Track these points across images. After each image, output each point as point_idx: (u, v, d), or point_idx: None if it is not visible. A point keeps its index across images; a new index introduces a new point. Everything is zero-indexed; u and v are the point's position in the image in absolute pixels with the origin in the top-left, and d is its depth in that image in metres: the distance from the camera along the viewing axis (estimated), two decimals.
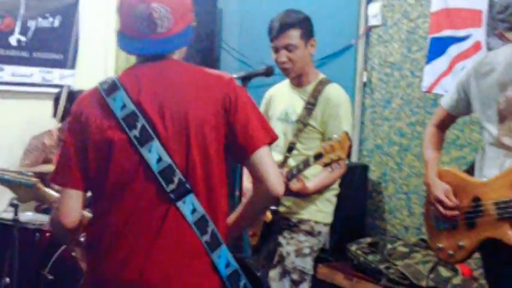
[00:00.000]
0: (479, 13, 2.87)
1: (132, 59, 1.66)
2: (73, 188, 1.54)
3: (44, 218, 3.13)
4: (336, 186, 2.42)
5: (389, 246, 3.05)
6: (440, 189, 2.08)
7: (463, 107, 2.13)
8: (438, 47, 3.09)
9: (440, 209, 2.06)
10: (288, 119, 2.41)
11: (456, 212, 2.03)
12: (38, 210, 3.52)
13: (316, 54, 3.68)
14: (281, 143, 2.41)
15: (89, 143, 1.51)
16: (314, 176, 2.31)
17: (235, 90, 1.54)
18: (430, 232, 2.19)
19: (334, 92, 2.34)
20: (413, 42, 3.27)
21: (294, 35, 2.29)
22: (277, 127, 2.44)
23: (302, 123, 2.33)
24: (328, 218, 2.43)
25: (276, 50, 2.35)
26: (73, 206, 1.54)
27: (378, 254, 3.02)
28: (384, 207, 3.49)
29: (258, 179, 1.53)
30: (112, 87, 1.53)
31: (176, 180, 1.47)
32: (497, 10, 1.87)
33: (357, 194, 3.40)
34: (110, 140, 1.50)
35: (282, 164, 2.39)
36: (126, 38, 1.55)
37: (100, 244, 1.53)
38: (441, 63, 3.08)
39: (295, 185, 2.16)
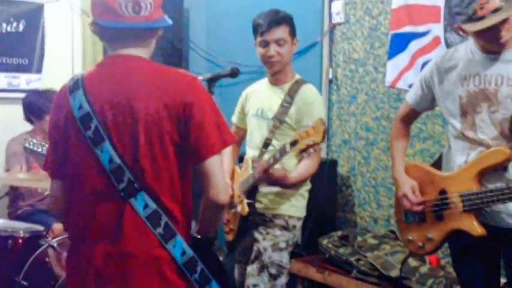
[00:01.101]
0: (438, 9, 2.96)
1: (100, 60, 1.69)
2: (53, 178, 1.72)
3: (16, 225, 3.12)
4: (308, 182, 2.48)
5: (359, 238, 3.12)
6: (407, 185, 2.13)
7: (426, 102, 2.19)
8: (399, 42, 3.16)
9: (406, 204, 2.12)
10: (264, 115, 2.47)
11: (421, 207, 2.09)
12: (10, 217, 3.49)
13: None
14: (256, 139, 2.49)
15: (57, 138, 1.66)
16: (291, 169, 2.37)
17: (193, 95, 1.58)
18: (400, 225, 2.25)
19: (309, 92, 2.43)
20: (375, 38, 3.34)
21: (284, 30, 2.39)
22: (253, 123, 2.53)
23: (278, 121, 2.40)
24: (302, 212, 2.50)
25: (265, 44, 2.41)
26: (57, 194, 1.72)
27: (349, 247, 3.09)
28: (353, 200, 3.56)
29: (205, 185, 1.60)
30: (74, 85, 1.63)
31: (126, 179, 1.56)
32: (454, 3, 1.92)
33: (327, 188, 3.46)
34: (68, 138, 1.61)
35: (258, 159, 2.46)
36: (108, 22, 1.60)
37: (71, 235, 1.71)
38: (402, 58, 3.15)
39: (277, 172, 2.22)
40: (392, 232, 3.19)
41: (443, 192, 2.04)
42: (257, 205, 2.44)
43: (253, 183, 2.35)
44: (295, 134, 2.10)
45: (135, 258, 1.57)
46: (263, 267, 2.40)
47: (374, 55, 3.36)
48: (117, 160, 1.55)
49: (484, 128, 1.95)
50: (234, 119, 2.71)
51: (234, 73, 2.32)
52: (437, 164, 2.21)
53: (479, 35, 1.89)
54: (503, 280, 2.17)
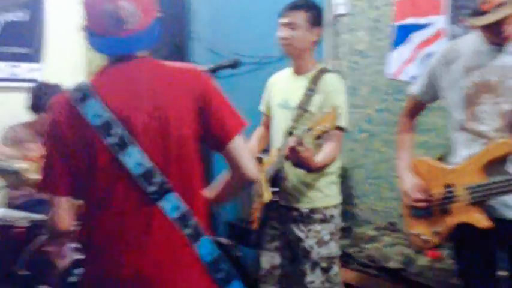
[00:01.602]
0: (440, 1, 2.93)
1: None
2: (61, 195, 1.59)
3: (16, 214, 3.12)
4: (335, 168, 2.50)
5: (359, 230, 3.13)
6: (410, 183, 2.16)
7: (432, 93, 2.20)
8: (402, 34, 3.14)
9: (408, 201, 2.15)
10: (288, 105, 2.48)
11: (421, 204, 2.09)
12: (10, 206, 3.50)
13: None
14: (281, 129, 2.51)
15: (67, 151, 1.55)
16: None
17: (206, 83, 1.61)
18: (407, 220, 2.26)
19: (332, 80, 2.43)
20: (379, 30, 3.32)
21: (299, 15, 2.39)
22: (277, 113, 2.55)
23: (302, 109, 2.41)
24: (336, 199, 2.53)
25: (280, 27, 2.44)
26: (64, 212, 1.59)
27: (348, 239, 3.10)
28: (354, 193, 3.56)
29: (234, 166, 1.63)
30: (84, 94, 1.54)
31: (156, 181, 1.53)
32: None
33: None
34: (87, 149, 1.53)
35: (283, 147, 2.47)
36: (95, 36, 1.55)
37: (92, 247, 1.61)
38: (405, 50, 3.14)
39: (304, 152, 2.18)
40: (392, 224, 3.19)
41: (449, 186, 2.05)
42: (292, 199, 2.47)
43: (280, 166, 2.36)
44: (310, 121, 2.14)
45: (167, 261, 1.56)
46: (314, 264, 2.46)
47: (377, 46, 3.34)
48: (147, 162, 1.52)
49: (487, 120, 1.96)
50: (262, 107, 2.74)
51: (234, 64, 2.32)
52: (444, 158, 2.21)
53: (484, 29, 1.90)
54: (501, 273, 2.17)
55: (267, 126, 2.70)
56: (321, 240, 2.44)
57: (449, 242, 2.19)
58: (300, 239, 2.46)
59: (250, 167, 1.63)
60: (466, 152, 2.03)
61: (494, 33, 1.89)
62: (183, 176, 1.57)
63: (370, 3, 3.35)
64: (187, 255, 1.58)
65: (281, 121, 2.51)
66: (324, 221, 2.45)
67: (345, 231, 3.16)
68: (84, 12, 1.56)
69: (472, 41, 2.03)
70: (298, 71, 2.49)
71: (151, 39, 1.59)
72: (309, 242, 2.45)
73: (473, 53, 2.01)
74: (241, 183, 1.68)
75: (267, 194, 2.45)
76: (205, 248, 1.59)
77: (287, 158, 2.28)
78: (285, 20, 2.41)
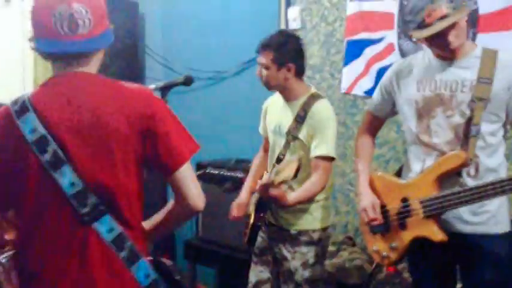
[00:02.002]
0: (391, 16, 2.98)
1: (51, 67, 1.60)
2: None
3: None
4: (326, 192, 2.47)
5: None
6: (367, 200, 2.14)
7: (388, 108, 2.21)
8: (354, 49, 3.17)
9: (365, 218, 2.14)
10: (281, 132, 2.47)
11: (377, 222, 2.11)
12: None
13: (239, 58, 3.75)
14: (273, 155, 2.51)
15: (2, 166, 1.50)
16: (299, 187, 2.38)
17: (153, 107, 1.53)
18: (366, 236, 2.25)
19: (322, 108, 2.40)
20: (331, 45, 3.35)
21: (266, 56, 2.39)
22: (272, 138, 2.54)
23: (291, 136, 2.40)
24: (325, 222, 2.49)
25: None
26: None
27: None
28: None
29: (180, 196, 1.57)
30: (22, 108, 1.49)
31: (90, 202, 1.48)
32: (406, 12, 1.97)
33: None
34: (22, 164, 1.48)
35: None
36: (45, 41, 1.50)
37: (26, 266, 1.54)
38: (358, 65, 3.17)
39: (273, 191, 2.22)
40: (350, 238, 3.19)
41: (404, 200, 2.05)
42: (282, 221, 2.47)
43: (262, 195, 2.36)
44: (279, 165, 2.18)
45: (103, 284, 1.50)
46: (298, 286, 2.43)
47: (330, 61, 3.37)
48: (80, 183, 1.47)
49: (439, 132, 1.98)
50: (261, 130, 2.72)
51: (187, 81, 2.27)
52: (400, 173, 2.23)
53: (429, 42, 1.94)
54: (459, 286, 2.19)
55: (266, 149, 2.69)
56: (306, 263, 2.43)
57: (407, 256, 2.19)
58: (286, 259, 2.46)
59: (195, 198, 1.57)
60: (420, 165, 2.05)
61: (440, 46, 1.92)
62: (121, 197, 1.51)
63: (322, 19, 3.38)
64: (123, 278, 1.52)
65: (274, 148, 2.52)
66: (310, 243, 2.44)
67: None
68: (34, 15, 1.51)
69: (424, 56, 2.07)
70: (287, 99, 2.49)
71: (103, 44, 1.56)
72: (294, 264, 2.43)
73: (425, 68, 2.04)
74: (185, 214, 1.62)
75: (252, 217, 2.48)
76: (142, 271, 1.53)
77: (259, 193, 2.33)
78: (258, 59, 2.44)
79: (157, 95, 2.13)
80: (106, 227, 1.49)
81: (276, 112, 2.55)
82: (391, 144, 3.06)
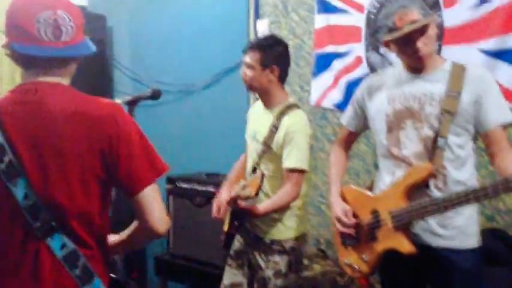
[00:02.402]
0: (359, 29, 3.01)
1: (17, 69, 1.59)
2: None
3: None
4: (298, 201, 2.44)
5: None
6: (339, 209, 2.15)
7: (361, 122, 2.23)
8: (323, 62, 3.19)
9: (338, 226, 2.13)
10: (257, 138, 2.47)
11: (353, 230, 2.11)
12: None
13: (209, 71, 3.74)
14: (249, 162, 2.52)
15: None
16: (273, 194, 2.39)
17: (117, 126, 1.48)
18: (338, 249, 2.24)
19: (293, 119, 2.39)
20: (300, 57, 3.36)
21: (252, 57, 2.40)
22: (249, 144, 2.54)
23: (266, 145, 2.40)
24: (298, 231, 2.48)
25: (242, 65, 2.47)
26: None
27: None
28: None
29: (141, 218, 1.54)
30: None
31: (41, 217, 1.45)
32: (378, 19, 2.00)
33: None
34: None
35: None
36: (24, 46, 1.46)
37: None
38: (327, 77, 3.18)
39: (242, 203, 2.23)
40: (322, 251, 3.19)
41: (375, 212, 2.06)
42: (257, 229, 2.47)
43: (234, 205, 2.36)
44: (246, 181, 2.19)
45: None
46: None
47: (299, 74, 3.37)
48: (33, 197, 1.43)
49: (408, 144, 2.00)
50: (246, 137, 2.69)
51: (155, 95, 2.25)
52: (372, 186, 2.24)
53: (399, 47, 1.95)
54: None
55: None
56: (278, 272, 2.42)
57: (378, 269, 2.19)
58: (260, 267, 2.45)
59: (156, 221, 1.53)
60: (390, 178, 2.06)
61: (408, 53, 1.94)
62: (76, 213, 1.48)
63: (291, 32, 3.39)
64: None
65: (250, 155, 2.52)
66: (283, 252, 2.43)
67: None
68: (14, 18, 1.48)
69: (395, 71, 2.10)
70: (266, 105, 2.49)
71: (84, 51, 1.54)
72: (267, 273, 2.42)
73: (395, 81, 2.07)
74: (146, 236, 1.60)
75: (226, 225, 2.48)
76: None
77: (228, 205, 2.34)
78: (243, 58, 2.44)
79: (124, 109, 2.11)
80: (58, 243, 1.47)
81: (255, 118, 2.56)
82: (361, 156, 3.07)
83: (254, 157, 2.46)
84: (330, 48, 3.15)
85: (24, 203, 1.43)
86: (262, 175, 2.16)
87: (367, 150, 3.03)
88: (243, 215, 2.40)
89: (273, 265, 2.43)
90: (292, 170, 2.32)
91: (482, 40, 2.50)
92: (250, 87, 2.47)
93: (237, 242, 2.57)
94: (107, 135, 1.46)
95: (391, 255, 2.01)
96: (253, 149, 2.50)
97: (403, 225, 1.97)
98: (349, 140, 2.35)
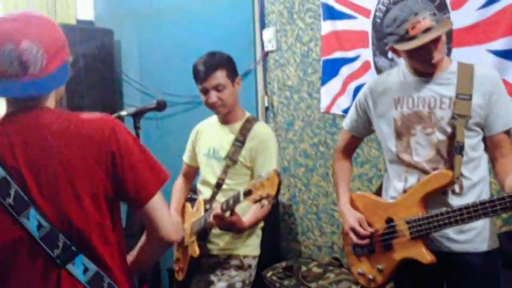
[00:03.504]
0: (365, 34, 2.98)
1: None
2: None
3: None
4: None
5: (303, 268, 3.07)
6: (353, 218, 2.09)
7: (364, 127, 2.17)
8: (331, 68, 3.16)
9: (353, 237, 2.07)
10: (216, 155, 2.42)
11: (367, 241, 2.05)
12: None
13: None
14: (209, 179, 2.43)
15: None
16: (243, 211, 2.30)
17: (117, 140, 1.45)
18: (350, 258, 2.18)
19: (262, 129, 2.40)
20: (308, 65, 3.34)
21: (221, 75, 2.33)
22: (204, 162, 2.47)
23: (231, 160, 2.35)
24: (257, 251, 2.46)
25: (206, 92, 2.36)
26: None
27: (293, 278, 3.02)
28: (296, 229, 3.51)
29: (152, 228, 1.52)
30: None
31: (61, 244, 1.41)
32: (386, 24, 1.92)
33: (269, 218, 3.36)
34: None
35: (211, 199, 2.40)
36: None
37: None
38: (335, 84, 3.15)
39: (232, 217, 2.13)
40: (337, 259, 3.15)
41: (390, 220, 2.00)
42: (212, 247, 2.39)
43: (205, 226, 2.30)
44: (250, 184, 2.03)
45: None
46: None
47: (308, 81, 3.36)
48: (47, 224, 1.39)
49: (420, 150, 1.95)
50: (185, 157, 2.66)
51: (160, 106, 2.23)
52: (379, 191, 2.18)
53: (411, 55, 1.89)
54: None
55: (188, 177, 2.65)
56: (232, 286, 2.35)
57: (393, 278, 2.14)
58: (211, 283, 2.37)
59: (168, 229, 1.52)
60: (402, 184, 2.01)
61: (422, 60, 1.88)
62: (94, 235, 1.45)
63: (297, 39, 3.38)
64: None
65: (208, 172, 2.44)
66: (240, 268, 2.38)
67: (289, 270, 3.09)
68: None
69: (399, 73, 2.03)
70: (225, 122, 2.44)
71: (56, 84, 1.46)
72: (220, 285, 2.35)
73: (401, 85, 2.00)
74: (159, 246, 1.57)
75: (196, 249, 2.38)
76: None
77: (212, 224, 2.23)
78: (209, 84, 2.32)
79: (130, 121, 2.09)
80: (80, 268, 1.43)
81: (210, 135, 2.50)
82: (373, 162, 3.04)
83: (216, 173, 2.39)
84: (337, 54, 3.12)
85: (39, 233, 1.39)
86: (278, 172, 1.98)
87: (378, 155, 2.99)
88: (208, 233, 2.34)
89: (227, 278, 2.35)
90: None
91: (491, 41, 2.47)
92: (223, 111, 2.37)
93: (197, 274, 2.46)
94: (110, 151, 1.44)
95: (405, 263, 1.97)
96: (210, 165, 2.43)
97: (421, 234, 1.92)
98: (351, 146, 2.29)
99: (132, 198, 1.48)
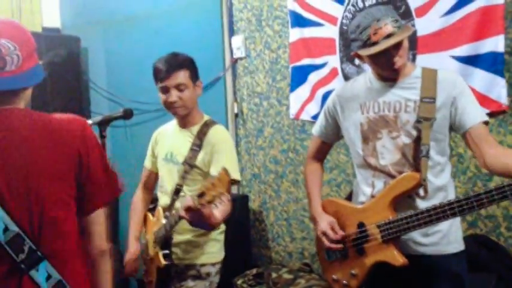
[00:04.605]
0: (333, 41, 3.02)
1: None
2: None
3: None
4: (221, 224, 2.35)
5: (274, 275, 3.06)
6: (325, 223, 2.09)
7: (333, 133, 2.19)
8: (299, 75, 3.19)
9: (326, 242, 2.07)
10: (174, 159, 2.35)
11: (341, 245, 2.06)
12: None
13: None
14: (167, 185, 2.36)
15: None
16: None
17: (86, 144, 1.48)
18: (323, 264, 2.19)
19: (218, 133, 2.32)
20: (277, 71, 3.36)
21: (183, 75, 2.26)
22: (162, 167, 2.40)
23: (188, 165, 2.28)
24: (217, 257, 2.38)
25: (166, 91, 2.28)
26: None
27: (264, 285, 3.02)
28: (267, 235, 3.51)
29: (90, 236, 1.54)
30: None
31: (26, 249, 1.39)
32: (350, 31, 1.95)
33: (240, 225, 3.39)
34: None
35: (170, 206, 2.33)
36: None
37: None
38: (304, 90, 3.18)
39: (205, 209, 2.02)
40: (307, 265, 3.16)
41: (361, 225, 2.02)
42: (173, 256, 2.32)
43: (167, 234, 2.24)
44: (202, 185, 2.00)
45: None
46: None
47: (277, 88, 3.37)
48: (14, 227, 1.37)
49: (385, 154, 1.97)
50: (146, 162, 2.56)
51: (127, 115, 2.20)
52: (350, 197, 2.20)
53: (374, 60, 1.92)
54: None
55: (148, 185, 2.56)
56: None
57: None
58: None
59: (104, 237, 1.55)
60: (369, 189, 2.03)
61: (384, 66, 1.91)
62: (60, 241, 1.44)
63: (266, 46, 3.40)
64: None
65: (166, 177, 2.38)
66: (197, 277, 2.31)
67: (260, 277, 3.08)
68: None
69: (366, 79, 2.06)
70: (184, 125, 2.37)
71: (34, 80, 1.48)
72: None
73: (367, 90, 2.03)
74: (97, 254, 1.57)
75: (161, 259, 2.31)
76: None
77: (184, 218, 2.16)
78: (170, 82, 2.26)
79: (95, 130, 2.06)
80: (43, 275, 1.41)
81: (168, 140, 2.43)
82: (341, 167, 3.06)
83: (175, 179, 2.33)
84: (305, 61, 3.15)
85: (5, 236, 1.37)
86: (227, 171, 1.95)
87: (347, 161, 3.02)
88: (170, 241, 2.30)
89: None
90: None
91: (455, 47, 2.53)
92: (182, 111, 2.31)
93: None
94: (78, 153, 1.45)
95: (378, 267, 1.98)
96: (168, 170, 2.37)
97: (393, 237, 1.94)
98: (322, 151, 2.30)
99: (82, 203, 1.49)
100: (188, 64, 2.30)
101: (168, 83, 2.27)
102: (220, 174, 1.92)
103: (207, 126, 2.33)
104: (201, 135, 2.30)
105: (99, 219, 1.53)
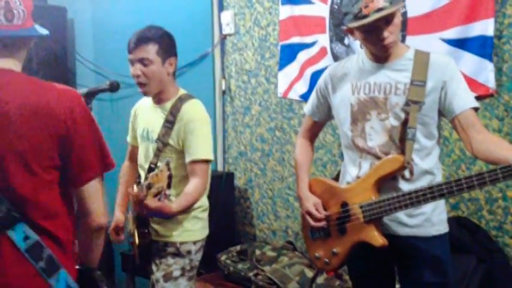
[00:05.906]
0: (323, 19, 2.99)
1: None
2: None
3: None
4: (203, 202, 2.34)
5: (257, 252, 3.08)
6: (310, 202, 2.11)
7: (324, 112, 2.18)
8: (288, 53, 3.16)
9: (310, 220, 2.09)
10: (149, 136, 2.31)
11: (324, 223, 2.08)
12: None
13: None
14: (143, 162, 2.33)
15: None
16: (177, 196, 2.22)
17: (75, 115, 1.49)
18: (307, 242, 2.21)
19: (192, 108, 2.25)
20: (266, 49, 3.33)
21: (149, 50, 2.19)
22: (140, 145, 2.37)
23: (162, 143, 2.24)
24: (198, 235, 2.34)
25: (132, 63, 2.24)
26: None
27: (247, 262, 3.04)
28: (251, 213, 3.53)
29: (83, 212, 1.56)
30: None
31: (3, 208, 1.43)
32: (343, 4, 1.94)
33: (225, 202, 3.39)
34: None
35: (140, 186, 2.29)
36: None
37: None
38: (292, 69, 3.16)
39: (152, 204, 2.01)
40: (290, 243, 3.19)
41: (344, 204, 2.03)
42: (152, 232, 2.30)
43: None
44: (150, 176, 1.98)
45: None
46: None
47: (265, 66, 3.35)
48: None
49: (373, 135, 1.97)
50: (129, 138, 2.53)
51: (113, 87, 2.17)
52: (338, 177, 2.21)
53: (365, 36, 1.91)
54: (397, 286, 2.21)
55: (133, 159, 2.51)
56: (168, 275, 2.27)
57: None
58: (152, 272, 2.31)
59: (97, 213, 1.56)
60: (356, 170, 2.04)
61: (374, 42, 1.90)
62: (33, 206, 1.46)
63: (256, 23, 3.36)
64: None
65: (143, 154, 2.35)
66: (176, 255, 2.28)
67: (244, 254, 3.10)
68: None
69: (359, 59, 2.06)
70: (158, 102, 2.30)
71: (40, 33, 1.56)
72: (157, 275, 2.28)
73: (359, 71, 2.03)
74: (90, 231, 1.58)
75: (136, 237, 2.31)
76: (62, 282, 1.49)
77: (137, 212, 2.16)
78: (134, 55, 2.20)
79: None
80: (21, 235, 1.45)
81: (144, 116, 2.38)
82: (328, 147, 3.07)
83: (149, 157, 2.29)
84: (295, 40, 3.13)
85: None
86: (168, 164, 1.93)
87: (334, 141, 3.03)
88: (148, 219, 2.26)
89: (164, 267, 2.28)
90: (197, 162, 2.18)
91: (445, 29, 2.52)
92: (151, 85, 2.23)
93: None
94: (65, 125, 1.47)
95: (359, 246, 2.01)
96: (145, 148, 2.33)
97: (374, 218, 1.96)
98: (313, 131, 2.30)
99: (72, 175, 1.51)
100: (158, 38, 2.21)
101: (133, 56, 2.21)
102: (162, 167, 1.92)
103: (181, 101, 2.26)
104: (174, 111, 2.24)
105: (92, 193, 1.53)
